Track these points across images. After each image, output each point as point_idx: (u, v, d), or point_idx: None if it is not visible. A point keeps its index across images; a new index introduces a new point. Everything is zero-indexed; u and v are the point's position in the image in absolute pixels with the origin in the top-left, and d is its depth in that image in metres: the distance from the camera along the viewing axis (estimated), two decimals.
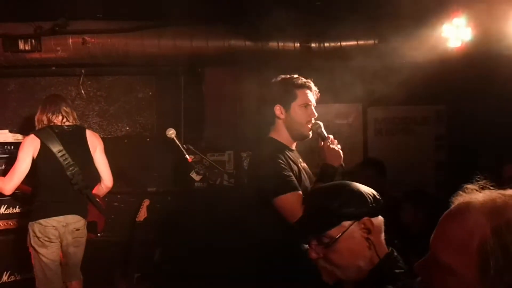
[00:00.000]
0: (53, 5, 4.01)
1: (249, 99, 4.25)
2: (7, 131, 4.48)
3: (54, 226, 3.52)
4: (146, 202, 4.45)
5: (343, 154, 2.53)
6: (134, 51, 4.32)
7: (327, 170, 2.44)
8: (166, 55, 4.35)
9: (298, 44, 4.27)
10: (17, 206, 4.17)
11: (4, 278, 4.14)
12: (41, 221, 3.50)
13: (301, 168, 2.56)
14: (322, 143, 2.52)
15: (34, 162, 3.55)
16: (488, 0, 3.38)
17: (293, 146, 2.63)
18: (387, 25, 4.05)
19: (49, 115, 3.61)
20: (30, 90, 4.88)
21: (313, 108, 2.56)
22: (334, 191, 1.58)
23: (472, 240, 0.98)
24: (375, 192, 1.57)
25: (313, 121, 2.56)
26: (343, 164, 2.51)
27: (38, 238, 3.50)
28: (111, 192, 4.83)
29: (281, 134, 2.57)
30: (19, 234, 3.98)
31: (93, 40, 4.25)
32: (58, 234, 3.54)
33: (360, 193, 1.54)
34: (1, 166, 4.37)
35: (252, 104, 4.12)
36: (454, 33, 3.73)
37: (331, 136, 2.54)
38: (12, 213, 4.16)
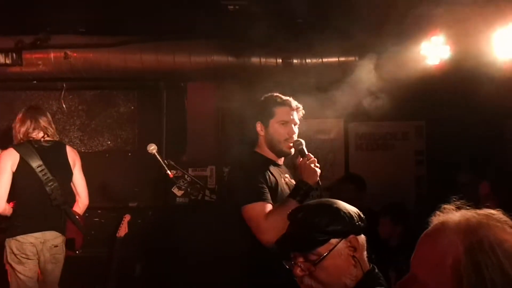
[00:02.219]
0: (34, 19, 3.99)
1: (231, 114, 4.27)
2: None
3: (31, 243, 3.45)
4: (127, 218, 4.40)
5: (324, 169, 2.57)
6: (116, 66, 4.31)
7: (301, 187, 2.44)
8: (148, 70, 4.35)
9: (280, 60, 4.31)
10: None
11: None
12: (19, 237, 3.44)
13: (284, 183, 2.58)
14: (301, 159, 2.54)
15: (12, 177, 3.49)
16: (466, 19, 3.46)
17: (280, 161, 2.65)
18: (367, 42, 4.12)
19: (29, 130, 3.56)
20: (10, 104, 4.83)
21: (292, 125, 2.58)
22: (322, 209, 1.60)
23: (446, 259, 1.00)
24: (359, 211, 1.61)
25: (295, 138, 2.58)
26: (319, 182, 2.51)
27: (15, 255, 3.43)
28: (91, 208, 4.78)
29: (264, 149, 2.61)
30: None
31: (75, 54, 4.24)
32: (35, 251, 3.48)
33: (346, 211, 1.58)
34: None
35: (235, 120, 4.14)
36: (433, 51, 3.81)
37: (311, 155, 2.55)
38: None
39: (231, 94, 4.34)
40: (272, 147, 2.59)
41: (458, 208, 1.09)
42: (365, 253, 1.58)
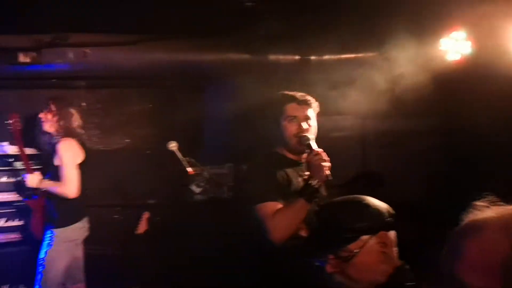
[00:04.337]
0: (53, 18, 4.01)
1: (248, 112, 4.26)
2: (7, 143, 4.49)
3: (81, 229, 3.76)
4: (146, 215, 4.45)
5: (340, 166, 2.53)
6: (133, 64, 4.33)
7: (308, 184, 2.40)
8: (165, 68, 4.36)
9: (298, 57, 4.29)
10: (18, 219, 4.18)
11: None
12: (76, 225, 3.70)
13: (300, 181, 2.56)
14: (308, 155, 2.49)
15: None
16: (489, 14, 3.41)
17: (301, 159, 2.61)
18: (386, 38, 4.08)
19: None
20: (29, 102, 4.88)
21: (302, 121, 2.55)
22: (350, 205, 1.61)
23: (496, 259, 0.98)
24: (388, 207, 1.60)
25: (307, 135, 2.55)
26: (328, 177, 2.43)
27: (68, 242, 3.64)
28: (110, 205, 4.85)
29: (283, 148, 2.60)
30: (20, 247, 3.99)
31: (93, 53, 4.26)
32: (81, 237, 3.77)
33: (375, 208, 1.58)
34: (2, 178, 4.39)
35: (251, 118, 4.13)
36: (453, 46, 3.76)
37: (318, 150, 2.46)
38: (12, 226, 4.18)
39: (248, 91, 4.34)
40: (285, 144, 2.59)
41: (491, 204, 1.07)
42: (395, 248, 1.58)
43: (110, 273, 4.51)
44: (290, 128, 2.54)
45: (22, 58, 4.27)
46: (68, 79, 4.64)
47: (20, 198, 4.14)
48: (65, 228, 3.65)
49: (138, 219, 4.54)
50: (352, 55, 4.29)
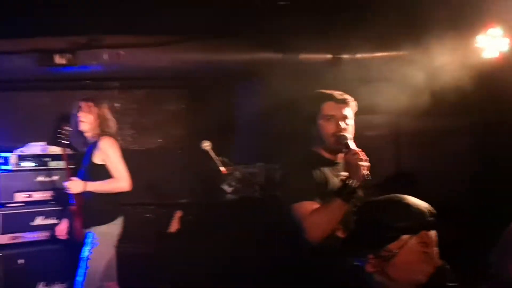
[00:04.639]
0: (88, 20, 4.09)
1: (280, 112, 4.26)
2: (44, 143, 4.61)
3: (119, 226, 3.81)
4: (178, 214, 4.50)
5: (373, 166, 2.49)
6: (166, 65, 4.39)
7: (345, 184, 2.35)
8: (197, 68, 4.40)
9: (330, 55, 4.27)
10: (55, 217, 4.28)
11: None
12: (115, 222, 3.77)
13: (337, 182, 2.54)
14: (345, 154, 2.45)
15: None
16: None
17: (339, 159, 2.59)
18: (420, 35, 4.01)
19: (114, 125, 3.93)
20: (65, 103, 4.99)
21: (339, 120, 2.52)
22: (391, 205, 1.59)
23: None
24: (429, 206, 1.58)
25: (345, 134, 2.52)
26: (367, 177, 2.37)
27: (109, 239, 3.73)
28: (143, 204, 4.92)
29: (320, 148, 2.58)
30: (57, 244, 4.08)
31: (126, 54, 4.33)
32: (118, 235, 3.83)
33: (416, 207, 1.55)
34: (38, 177, 4.50)
35: (283, 117, 4.13)
36: (490, 43, 3.68)
37: (356, 149, 2.42)
38: (50, 224, 4.28)
39: (280, 91, 4.34)
40: (322, 144, 2.56)
41: None
42: (436, 248, 1.56)
43: (143, 272, 4.57)
44: (327, 127, 2.51)
45: (58, 59, 4.36)
46: (102, 80, 4.74)
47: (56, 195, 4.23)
48: (107, 225, 3.70)
49: (170, 218, 4.59)
50: (386, 53, 4.25)
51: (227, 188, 3.86)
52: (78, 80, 4.70)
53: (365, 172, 2.33)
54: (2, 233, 4.29)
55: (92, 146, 3.76)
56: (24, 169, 4.45)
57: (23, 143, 4.62)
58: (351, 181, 2.32)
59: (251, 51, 4.31)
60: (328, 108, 2.53)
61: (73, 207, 3.77)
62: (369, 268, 1.52)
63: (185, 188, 4.84)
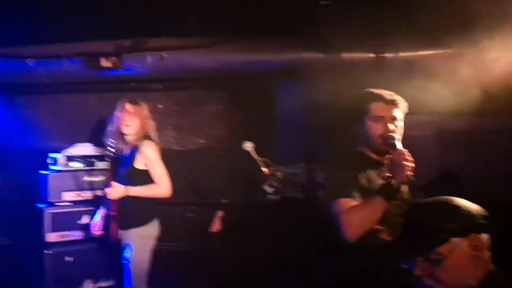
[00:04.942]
0: (132, 24, 4.18)
1: (321, 112, 4.22)
2: (90, 144, 4.74)
3: (157, 226, 3.85)
4: (220, 214, 4.53)
5: (418, 168, 2.42)
6: (208, 66, 4.42)
7: (388, 184, 2.30)
8: (239, 69, 4.42)
9: (373, 55, 4.19)
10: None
11: (86, 286, 4.36)
12: (155, 221, 3.80)
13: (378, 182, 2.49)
14: (390, 155, 2.39)
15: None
16: None
17: (384, 160, 2.53)
18: (466, 33, 3.89)
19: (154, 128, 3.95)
20: (110, 105, 5.11)
21: (388, 121, 2.47)
22: (440, 207, 1.55)
23: None
24: (480, 208, 1.53)
25: (393, 135, 2.47)
26: (410, 178, 2.30)
27: (149, 239, 3.77)
28: (185, 203, 4.98)
29: (366, 148, 2.55)
30: (102, 242, 4.18)
31: (169, 56, 4.40)
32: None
33: (467, 209, 1.52)
34: (85, 177, 4.64)
35: (325, 117, 4.10)
36: None
37: (402, 149, 2.36)
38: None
39: (321, 91, 4.30)
40: (369, 144, 2.52)
41: None
42: (488, 252, 1.51)
43: (184, 271, 4.63)
44: (375, 129, 2.47)
45: (104, 63, 4.48)
46: (145, 82, 4.82)
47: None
48: (144, 227, 3.71)
49: (211, 218, 4.63)
50: (431, 51, 4.12)
51: (268, 188, 3.84)
52: (123, 82, 4.80)
53: (409, 172, 2.28)
54: (51, 231, 4.45)
55: (133, 150, 3.75)
56: (72, 169, 4.60)
57: (71, 144, 4.78)
58: (394, 181, 2.27)
59: (293, 51, 4.28)
60: (377, 108, 2.48)
61: (110, 211, 3.77)
62: (418, 271, 1.49)
63: (226, 189, 4.86)
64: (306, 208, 4.15)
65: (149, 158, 3.70)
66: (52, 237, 4.44)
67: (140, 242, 3.70)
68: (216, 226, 4.44)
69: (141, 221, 3.74)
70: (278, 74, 4.47)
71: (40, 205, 4.52)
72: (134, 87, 4.93)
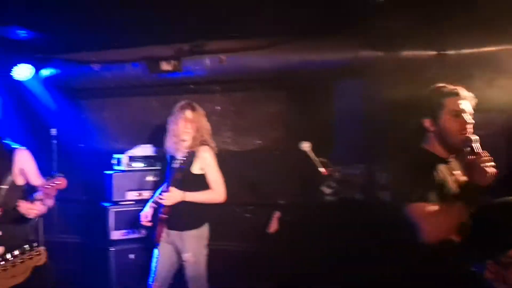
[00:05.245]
0: (191, 28, 4.27)
1: (381, 111, 4.14)
2: (151, 145, 4.90)
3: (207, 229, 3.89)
4: (277, 214, 4.54)
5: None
6: (265, 67, 4.45)
7: (468, 189, 2.23)
8: (296, 69, 4.41)
9: (434, 52, 4.07)
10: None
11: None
12: (206, 225, 3.85)
13: (453, 181, 2.42)
14: (470, 157, 2.31)
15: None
16: None
17: (451, 157, 2.49)
18: None
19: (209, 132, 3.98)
20: (170, 108, 5.25)
21: (465, 116, 2.41)
22: (509, 208, 1.49)
23: None
24: None
25: (469, 129, 2.41)
26: (492, 181, 2.22)
27: (204, 240, 3.84)
28: (242, 203, 5.03)
29: (434, 145, 2.48)
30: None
31: (227, 58, 4.47)
32: None
33: None
34: (147, 177, 4.79)
35: (384, 116, 4.01)
36: None
37: (484, 153, 2.30)
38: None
39: (380, 90, 4.22)
40: (444, 142, 2.45)
41: None
42: None
43: (242, 271, 4.68)
44: (452, 124, 2.41)
45: (164, 66, 4.62)
46: (204, 84, 4.92)
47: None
48: (197, 229, 3.76)
49: (269, 218, 4.65)
50: (496, 48, 3.95)
51: (326, 189, 3.81)
52: (182, 85, 4.92)
53: (490, 176, 2.21)
54: (115, 229, 4.63)
55: (190, 154, 3.73)
56: (135, 169, 4.76)
57: (134, 145, 4.95)
58: (474, 185, 2.20)
59: (352, 49, 4.23)
60: (453, 103, 2.43)
61: (162, 214, 3.76)
62: (488, 275, 1.44)
63: (283, 189, 4.86)
64: (365, 209, 4.08)
65: (206, 163, 3.73)
66: (115, 234, 4.62)
67: (197, 244, 3.75)
68: (273, 226, 4.46)
69: (198, 224, 3.79)
70: (336, 74, 4.42)
71: (105, 204, 4.71)
72: (193, 89, 5.03)
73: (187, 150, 3.74)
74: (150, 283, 3.79)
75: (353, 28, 4.09)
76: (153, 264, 3.80)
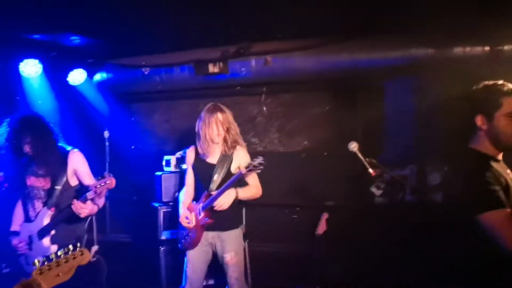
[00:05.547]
0: (237, 29, 4.29)
1: (432, 110, 4.01)
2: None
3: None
4: (325, 216, 4.48)
5: None
6: (312, 68, 4.41)
7: None
8: (343, 69, 4.34)
9: (488, 48, 3.90)
10: None
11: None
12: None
13: (509, 180, 2.31)
14: None
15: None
16: None
17: (499, 156, 2.38)
18: None
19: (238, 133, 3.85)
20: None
21: None
22: None
23: None
24: None
25: None
26: None
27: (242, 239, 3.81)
28: (289, 205, 5.00)
29: (484, 144, 2.36)
30: None
31: (273, 59, 4.46)
32: None
33: None
34: None
35: (436, 116, 3.89)
36: None
37: None
38: None
39: (431, 88, 4.09)
40: (497, 142, 2.34)
41: None
42: None
43: (290, 273, 4.64)
44: (507, 126, 2.30)
45: (211, 68, 4.66)
46: (250, 86, 4.93)
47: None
48: (235, 230, 3.72)
49: (317, 220, 4.59)
50: None
51: (376, 191, 3.72)
52: (229, 87, 4.95)
53: None
54: (164, 229, 4.71)
55: (225, 155, 3.69)
56: (183, 170, 4.82)
57: (182, 147, 5.03)
58: None
59: (401, 48, 4.12)
60: (510, 104, 2.31)
61: (207, 219, 3.69)
62: None
63: (331, 191, 4.80)
64: (417, 211, 3.95)
65: (244, 161, 3.66)
66: (164, 234, 4.71)
67: (238, 244, 3.73)
68: (321, 228, 4.39)
69: (238, 223, 3.78)
70: (386, 73, 4.32)
71: (155, 204, 4.81)
72: (240, 91, 5.05)
73: (222, 153, 3.71)
74: (185, 286, 3.77)
75: (403, 25, 3.98)
76: (186, 268, 3.76)
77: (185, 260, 3.77)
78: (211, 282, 4.39)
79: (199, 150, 3.74)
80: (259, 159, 3.33)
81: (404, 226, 3.84)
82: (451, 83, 3.59)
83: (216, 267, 3.80)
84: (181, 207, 3.82)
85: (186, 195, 3.85)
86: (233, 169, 3.70)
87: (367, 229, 4.20)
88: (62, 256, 2.10)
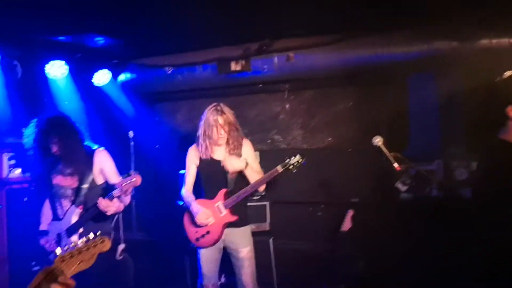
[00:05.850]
0: (259, 27, 4.29)
1: (458, 104, 3.94)
2: None
3: None
4: (350, 213, 4.45)
5: None
6: (335, 63, 4.38)
7: None
8: (365, 64, 4.30)
9: None
10: None
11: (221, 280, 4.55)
12: None
13: None
14: None
15: None
16: None
17: None
18: None
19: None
20: (238, 108, 5.28)
21: None
22: None
23: None
24: None
25: None
26: None
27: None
28: (315, 202, 4.97)
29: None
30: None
31: (296, 56, 4.44)
32: None
33: None
34: None
35: (462, 109, 3.82)
36: None
37: None
38: None
39: (456, 82, 4.02)
40: None
41: None
42: None
43: (314, 270, 4.62)
44: None
45: (234, 66, 4.67)
46: (273, 83, 4.92)
47: None
48: (248, 226, 3.72)
49: (342, 217, 4.56)
50: None
51: (401, 186, 3.64)
52: (251, 85, 4.95)
53: None
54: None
55: (232, 154, 3.67)
56: None
57: None
58: None
59: (424, 41, 4.06)
60: None
61: (229, 214, 3.67)
62: None
63: (356, 187, 4.76)
64: (443, 207, 3.88)
65: (250, 155, 3.69)
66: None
67: (251, 239, 3.73)
68: (346, 225, 4.36)
69: (249, 220, 3.76)
70: (409, 67, 4.26)
71: (179, 203, 4.83)
72: (262, 89, 5.05)
73: (226, 151, 3.70)
74: (203, 283, 3.77)
75: (425, 19, 3.92)
76: (202, 264, 3.76)
77: (198, 258, 3.76)
78: (223, 280, 4.40)
79: (202, 149, 3.73)
80: (297, 157, 3.28)
81: (430, 222, 3.79)
82: (475, 76, 3.52)
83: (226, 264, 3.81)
84: (194, 205, 3.78)
85: (188, 193, 3.86)
86: (241, 163, 3.64)
87: (393, 226, 4.15)
88: (83, 244, 2.13)
